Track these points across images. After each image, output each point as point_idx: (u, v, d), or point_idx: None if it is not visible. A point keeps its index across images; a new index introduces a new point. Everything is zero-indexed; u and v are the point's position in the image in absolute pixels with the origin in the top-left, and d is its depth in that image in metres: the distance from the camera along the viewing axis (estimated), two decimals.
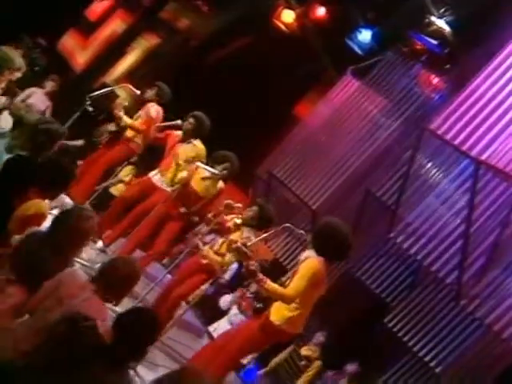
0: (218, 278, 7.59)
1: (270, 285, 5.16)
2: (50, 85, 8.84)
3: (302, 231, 6.21)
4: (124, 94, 9.86)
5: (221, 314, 8.51)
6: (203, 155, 7.24)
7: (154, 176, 7.28)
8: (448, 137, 6.81)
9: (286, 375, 9.11)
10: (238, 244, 5.47)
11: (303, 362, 9.01)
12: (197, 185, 7.04)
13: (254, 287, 8.26)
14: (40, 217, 4.64)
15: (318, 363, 8.89)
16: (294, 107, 10.22)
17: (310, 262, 5.22)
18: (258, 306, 7.61)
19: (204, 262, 6.46)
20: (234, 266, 8.68)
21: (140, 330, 3.51)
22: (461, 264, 6.71)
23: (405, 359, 8.49)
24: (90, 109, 7.48)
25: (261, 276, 5.15)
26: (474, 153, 6.64)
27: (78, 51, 11.17)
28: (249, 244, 5.61)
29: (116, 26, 11.06)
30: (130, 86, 7.80)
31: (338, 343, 8.84)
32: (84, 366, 3.36)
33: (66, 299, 3.80)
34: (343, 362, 8.76)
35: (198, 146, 7.24)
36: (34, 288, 3.90)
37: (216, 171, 7.11)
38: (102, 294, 3.87)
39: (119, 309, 6.27)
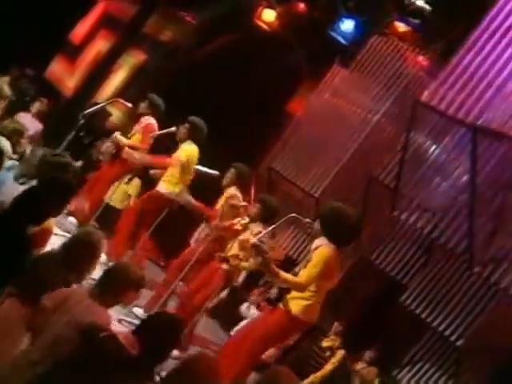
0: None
1: (284, 275, 5.23)
2: (36, 106, 8.90)
3: (308, 219, 6.26)
4: (117, 112, 9.95)
5: (240, 317, 8.54)
6: (194, 156, 7.28)
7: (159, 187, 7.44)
8: (441, 108, 6.85)
9: (312, 369, 9.08)
10: (254, 240, 5.54)
11: (328, 353, 9.01)
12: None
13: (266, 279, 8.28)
14: (47, 233, 4.68)
15: (341, 352, 8.88)
16: (286, 104, 10.28)
17: (322, 250, 5.27)
18: (272, 297, 7.64)
19: (224, 267, 6.47)
20: None
21: (164, 334, 3.55)
22: (470, 231, 6.73)
23: (425, 337, 8.48)
24: (81, 133, 7.60)
25: (274, 268, 5.21)
26: (468, 120, 6.67)
27: (66, 76, 11.26)
28: (261, 235, 5.68)
29: (100, 46, 11.15)
30: (122, 101, 7.89)
31: (357, 329, 8.82)
32: (110, 375, 3.40)
33: (71, 308, 3.85)
34: (364, 347, 8.73)
35: (185, 148, 7.30)
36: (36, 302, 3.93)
37: (216, 172, 7.22)
38: (106, 302, 3.92)
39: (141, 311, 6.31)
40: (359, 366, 8.48)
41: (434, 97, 6.97)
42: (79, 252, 4.08)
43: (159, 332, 3.55)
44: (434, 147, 7.93)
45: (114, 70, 11.06)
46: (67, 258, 4.05)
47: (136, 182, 9.00)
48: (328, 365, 8.75)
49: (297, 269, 5.42)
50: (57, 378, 3.48)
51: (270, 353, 7.67)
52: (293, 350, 8.66)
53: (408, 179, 7.92)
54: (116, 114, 10.06)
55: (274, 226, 6.00)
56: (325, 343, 9.09)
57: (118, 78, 11.00)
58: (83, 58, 11.26)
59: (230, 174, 7.10)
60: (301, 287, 5.24)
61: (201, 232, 8.72)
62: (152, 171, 7.69)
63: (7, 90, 8.05)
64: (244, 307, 8.69)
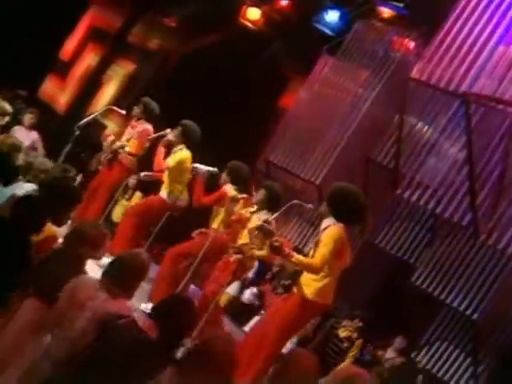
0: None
1: (297, 256, 5.23)
2: (28, 118, 8.94)
3: (311, 205, 6.27)
4: (112, 124, 9.99)
5: (253, 312, 8.52)
6: (185, 161, 7.33)
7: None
8: (432, 82, 6.87)
9: (331, 360, 9.05)
10: (259, 223, 5.55)
11: (345, 344, 8.97)
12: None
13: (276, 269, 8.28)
14: (52, 239, 4.71)
15: (359, 342, 8.84)
16: (278, 99, 10.32)
17: (331, 229, 5.28)
18: (285, 283, 7.62)
19: (238, 258, 6.47)
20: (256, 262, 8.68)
21: (178, 316, 3.58)
22: (472, 201, 6.74)
23: (440, 316, 8.46)
24: (78, 149, 7.64)
25: (287, 250, 5.21)
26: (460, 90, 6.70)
27: (59, 93, 11.32)
28: (270, 219, 5.69)
29: (90, 59, 11.23)
30: (115, 108, 7.92)
31: (374, 317, 8.79)
32: (130, 359, 3.42)
33: (86, 302, 3.83)
34: (384, 334, 8.69)
35: (176, 155, 7.36)
36: (52, 299, 3.96)
37: (215, 169, 7.25)
38: (115, 292, 3.89)
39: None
40: (388, 354, 8.43)
41: (423, 73, 7.00)
42: (129, 277, 4.00)
43: (174, 314, 3.57)
44: (428, 125, 7.97)
45: (105, 81, 11.13)
46: (117, 281, 3.95)
47: (137, 195, 9.00)
48: (348, 358, 8.72)
49: (307, 251, 5.41)
50: (80, 370, 3.50)
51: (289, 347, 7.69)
52: (311, 341, 8.65)
53: (406, 158, 7.96)
54: (111, 126, 10.10)
55: (278, 213, 6.02)
56: (342, 333, 9.05)
57: (109, 89, 11.06)
58: (74, 74, 11.33)
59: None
60: (315, 268, 5.22)
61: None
62: (143, 174, 7.72)
63: (8, 107, 8.11)
64: (248, 293, 8.66)
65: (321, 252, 5.20)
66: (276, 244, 5.15)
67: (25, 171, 5.95)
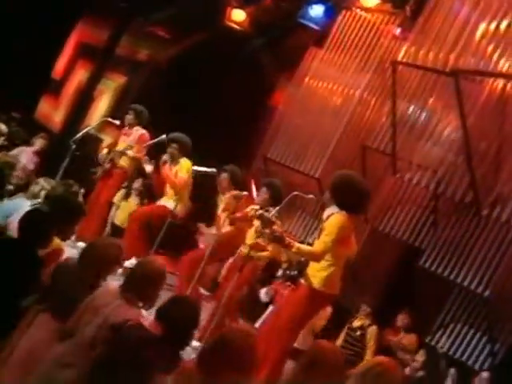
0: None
1: (298, 245, 5.24)
2: (39, 142, 8.92)
3: (311, 195, 6.26)
4: (108, 138, 10.01)
5: (262, 309, 8.51)
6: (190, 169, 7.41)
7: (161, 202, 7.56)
8: (418, 63, 6.89)
9: (348, 351, 9.02)
10: (260, 212, 5.56)
11: (358, 333, 8.95)
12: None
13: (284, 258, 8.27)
14: (58, 253, 4.75)
15: (372, 329, 8.82)
16: (269, 98, 10.35)
17: (334, 217, 5.27)
18: (292, 273, 7.60)
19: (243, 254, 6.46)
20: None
21: (182, 316, 3.60)
22: (471, 176, 6.74)
23: (452, 296, 8.43)
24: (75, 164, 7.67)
25: (288, 240, 5.21)
26: (448, 67, 6.71)
27: (53, 112, 11.38)
28: (272, 213, 5.70)
29: (80, 76, 11.28)
30: (110, 120, 7.96)
31: (383, 302, 8.78)
32: (138, 360, 3.43)
33: (101, 308, 3.88)
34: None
35: (184, 167, 7.46)
36: (68, 315, 3.99)
37: (213, 170, 7.28)
38: (132, 299, 3.93)
39: None
40: (399, 336, 8.43)
41: (409, 56, 7.02)
42: (144, 284, 4.02)
43: (178, 314, 3.59)
44: (421, 107, 7.98)
45: (97, 96, 11.19)
46: (133, 288, 3.98)
47: (134, 199, 9.02)
48: (368, 348, 8.69)
49: (310, 240, 5.41)
50: (91, 374, 3.51)
51: (303, 340, 7.67)
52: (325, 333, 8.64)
53: (402, 142, 7.97)
54: (108, 140, 10.12)
55: (279, 207, 6.02)
56: (355, 323, 9.03)
57: (102, 103, 11.12)
58: (66, 91, 11.38)
59: (223, 177, 7.12)
60: (316, 256, 5.21)
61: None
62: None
63: (4, 127, 8.16)
64: (263, 292, 8.67)
65: (323, 239, 5.20)
66: (276, 234, 5.15)
67: (25, 188, 6.01)
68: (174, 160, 7.50)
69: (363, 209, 5.78)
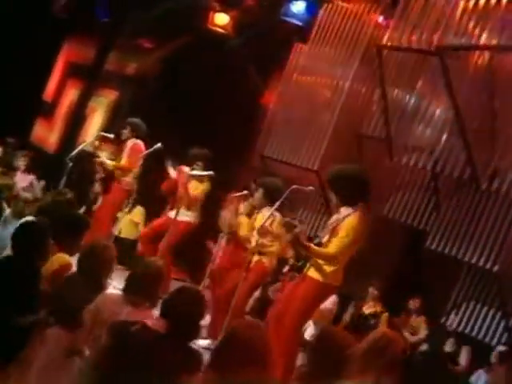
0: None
1: (314, 248, 5.27)
2: (21, 161, 8.96)
3: (310, 187, 6.27)
4: (105, 153, 10.03)
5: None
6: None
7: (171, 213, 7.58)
8: (403, 46, 6.91)
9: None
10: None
11: (372, 321, 8.94)
12: None
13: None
14: (66, 268, 4.70)
15: (384, 316, 8.82)
16: (261, 98, 10.37)
17: (349, 221, 5.26)
18: (298, 264, 7.60)
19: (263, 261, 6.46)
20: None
21: (187, 307, 3.56)
22: (468, 153, 6.75)
23: (462, 275, 8.43)
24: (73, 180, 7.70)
25: (304, 241, 5.24)
26: (432, 46, 6.73)
27: (48, 134, 11.43)
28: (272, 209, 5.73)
29: (71, 96, 11.34)
30: (103, 133, 7.98)
31: (394, 288, 8.77)
32: (150, 361, 3.42)
33: (111, 319, 3.86)
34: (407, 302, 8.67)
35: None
36: (75, 325, 4.00)
37: (211, 172, 7.33)
38: (138, 301, 3.96)
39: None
40: (409, 319, 8.44)
41: (393, 39, 7.04)
42: (148, 283, 4.06)
43: (182, 306, 3.56)
44: (410, 90, 8.01)
45: (89, 114, 11.24)
46: (138, 290, 4.02)
47: (139, 209, 9.06)
48: None
49: (322, 238, 5.40)
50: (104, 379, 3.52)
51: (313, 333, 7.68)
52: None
53: (396, 126, 8.00)
54: (105, 155, 10.15)
55: (279, 202, 6.04)
56: (366, 310, 9.03)
57: (95, 120, 11.16)
58: (59, 112, 11.44)
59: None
60: (332, 258, 5.26)
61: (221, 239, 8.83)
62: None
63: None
64: (271, 290, 8.69)
65: (339, 241, 5.22)
66: (296, 236, 5.19)
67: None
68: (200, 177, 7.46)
69: (367, 195, 5.80)
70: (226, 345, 3.30)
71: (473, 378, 7.48)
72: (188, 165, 7.60)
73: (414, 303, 8.36)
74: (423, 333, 8.11)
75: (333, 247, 5.22)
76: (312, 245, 5.26)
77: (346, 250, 5.23)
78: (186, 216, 7.50)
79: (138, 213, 9.13)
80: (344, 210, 5.33)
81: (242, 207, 6.77)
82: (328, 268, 5.35)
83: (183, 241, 7.65)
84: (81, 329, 4.01)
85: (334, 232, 5.30)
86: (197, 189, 7.50)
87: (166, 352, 3.45)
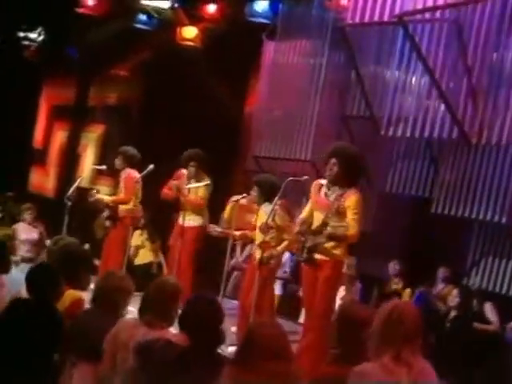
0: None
1: (329, 232, 5.42)
2: (27, 214, 8.99)
3: (306, 177, 6.30)
4: (104, 188, 10.11)
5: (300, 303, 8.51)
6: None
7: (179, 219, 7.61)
8: (366, 20, 6.95)
9: None
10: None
11: (396, 299, 8.89)
12: None
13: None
14: (78, 304, 4.74)
15: (407, 291, 8.79)
16: (243, 101, 10.43)
17: (354, 198, 5.45)
18: (308, 245, 7.58)
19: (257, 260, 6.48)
20: (286, 256, 8.59)
21: (204, 316, 3.62)
22: (452, 114, 6.77)
23: (475, 233, 8.40)
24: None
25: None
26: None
27: (44, 180, 11.53)
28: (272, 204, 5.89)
29: (60, 138, 11.44)
30: (95, 166, 8.05)
31: (412, 261, 8.75)
32: (180, 373, 3.48)
33: (129, 342, 3.87)
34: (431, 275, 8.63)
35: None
36: (99, 357, 4.04)
37: (208, 182, 7.40)
38: (153, 321, 3.96)
39: None
40: (439, 288, 8.40)
41: (355, 16, 7.09)
42: (162, 302, 4.05)
43: (197, 316, 3.62)
44: (384, 63, 8.04)
45: (82, 151, 11.33)
46: (152, 310, 4.02)
47: (137, 233, 9.07)
48: None
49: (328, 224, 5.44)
50: None
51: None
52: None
53: (378, 101, 8.03)
54: (103, 191, 10.22)
55: (278, 197, 6.08)
56: (390, 288, 9.00)
57: (89, 157, 11.24)
58: (51, 157, 11.55)
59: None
60: (354, 237, 5.43)
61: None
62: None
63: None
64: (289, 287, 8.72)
65: (354, 219, 5.38)
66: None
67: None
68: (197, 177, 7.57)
69: (363, 169, 5.91)
70: (246, 344, 3.35)
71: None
72: (183, 167, 7.66)
73: (443, 272, 8.28)
74: (454, 300, 8.06)
75: (354, 227, 5.36)
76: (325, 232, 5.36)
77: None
78: (192, 221, 7.57)
79: (145, 237, 9.17)
80: (338, 191, 5.46)
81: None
82: (343, 244, 5.54)
83: (201, 246, 7.67)
84: (103, 358, 4.03)
85: (337, 211, 5.40)
86: (196, 194, 7.58)
87: (192, 364, 3.50)
